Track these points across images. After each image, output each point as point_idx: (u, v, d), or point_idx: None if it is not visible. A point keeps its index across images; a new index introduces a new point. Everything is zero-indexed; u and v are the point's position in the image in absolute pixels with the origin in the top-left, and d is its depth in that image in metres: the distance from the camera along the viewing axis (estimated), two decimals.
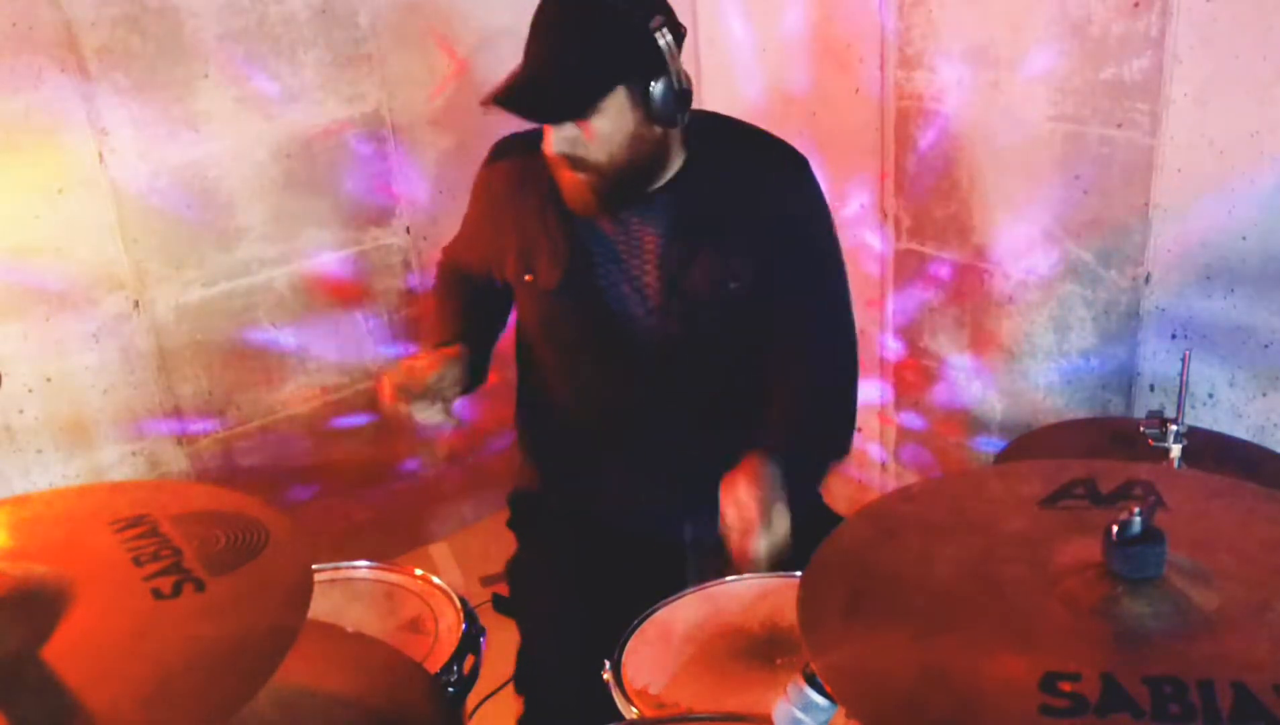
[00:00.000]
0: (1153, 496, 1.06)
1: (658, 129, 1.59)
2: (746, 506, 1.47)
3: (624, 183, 1.60)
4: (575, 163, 1.57)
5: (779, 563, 1.48)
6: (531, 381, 1.87)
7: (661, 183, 1.65)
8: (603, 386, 1.74)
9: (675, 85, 1.56)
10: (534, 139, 1.69)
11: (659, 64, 1.54)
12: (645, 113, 1.56)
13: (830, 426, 1.73)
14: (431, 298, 1.99)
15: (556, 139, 1.56)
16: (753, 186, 1.67)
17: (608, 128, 1.54)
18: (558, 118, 1.55)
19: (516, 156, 1.76)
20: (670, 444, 1.73)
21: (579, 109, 1.53)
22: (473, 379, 1.76)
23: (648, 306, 1.69)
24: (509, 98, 1.54)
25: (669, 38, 1.55)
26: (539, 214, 1.70)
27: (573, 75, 1.53)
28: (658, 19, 1.55)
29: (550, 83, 1.54)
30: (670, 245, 1.66)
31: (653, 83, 1.54)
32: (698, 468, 1.70)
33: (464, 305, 1.87)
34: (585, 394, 1.77)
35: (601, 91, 1.52)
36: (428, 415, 1.65)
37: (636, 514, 1.75)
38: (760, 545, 1.45)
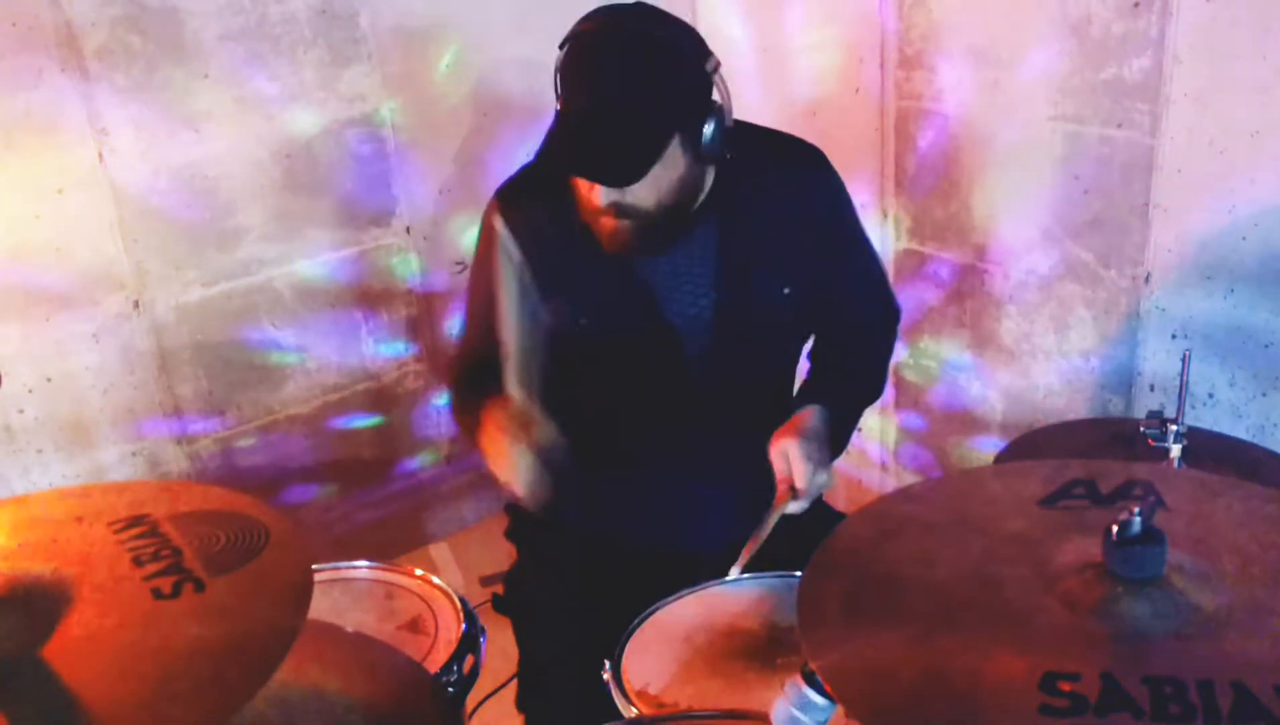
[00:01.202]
0: (1153, 496, 1.06)
1: (702, 166, 1.56)
2: (795, 462, 1.52)
3: (667, 224, 1.54)
4: (621, 211, 1.50)
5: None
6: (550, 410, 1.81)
7: (698, 205, 1.61)
8: (624, 411, 1.72)
9: (723, 123, 1.51)
10: (543, 179, 1.61)
11: (711, 104, 1.50)
12: (695, 154, 1.51)
13: (872, 381, 1.79)
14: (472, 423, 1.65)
15: (604, 191, 1.49)
16: (783, 187, 1.65)
17: (659, 174, 1.47)
18: (626, 181, 1.46)
19: (531, 200, 1.64)
20: (680, 457, 1.71)
21: (645, 170, 1.45)
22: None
23: (702, 329, 1.65)
24: (580, 161, 1.46)
25: (723, 80, 1.51)
26: (578, 256, 1.60)
27: (642, 132, 1.44)
28: (713, 60, 1.50)
29: (619, 143, 1.44)
30: (724, 262, 1.63)
31: (705, 124, 1.49)
32: (706, 478, 1.70)
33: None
34: (603, 417, 1.73)
35: (664, 146, 1.46)
36: (528, 471, 1.50)
37: (641, 524, 1.74)
38: (802, 501, 1.52)
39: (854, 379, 1.75)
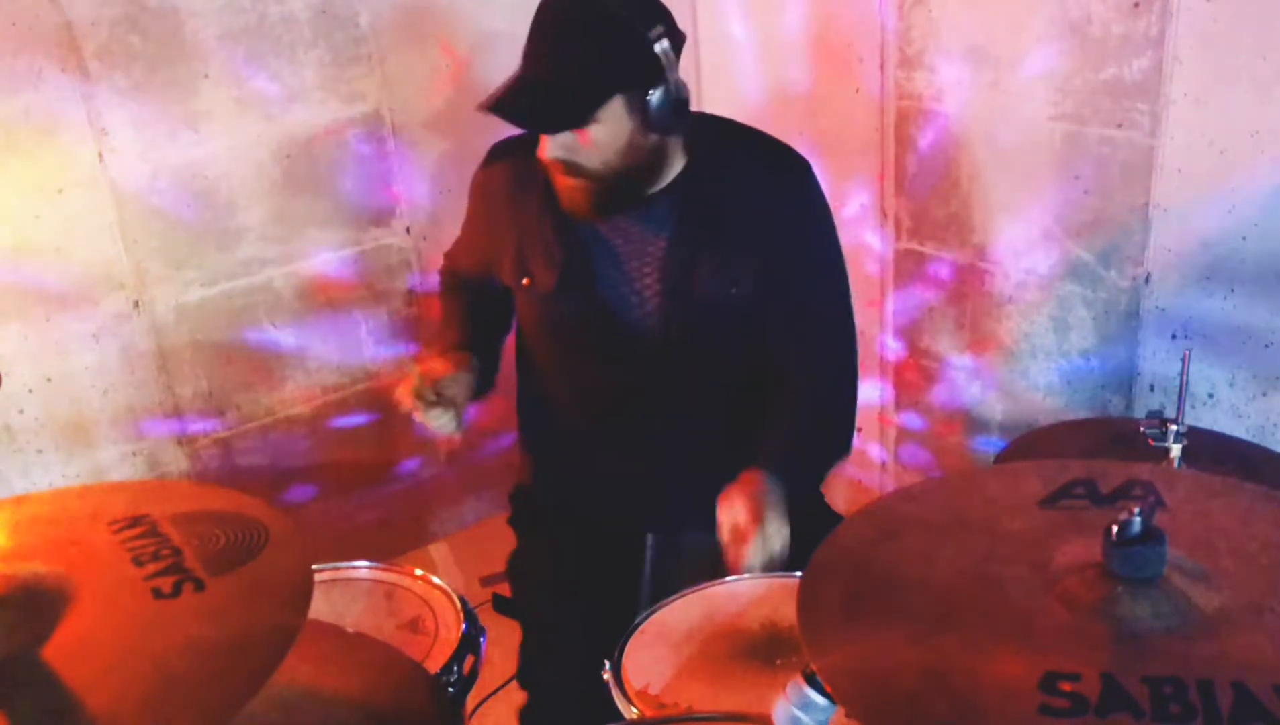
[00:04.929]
0: (1153, 496, 1.06)
1: (654, 136, 1.59)
2: (741, 519, 1.48)
3: (619, 189, 1.60)
4: (571, 168, 1.57)
5: (776, 568, 1.49)
6: (530, 381, 1.87)
7: (662, 186, 1.65)
8: (600, 387, 1.74)
9: (673, 94, 1.55)
10: (531, 141, 1.68)
11: (657, 73, 1.54)
12: (642, 121, 1.55)
13: (831, 431, 1.74)
14: (437, 304, 1.98)
15: (552, 145, 1.56)
16: (754, 188, 1.66)
17: (604, 136, 1.54)
18: (554, 127, 1.54)
19: (513, 159, 1.75)
20: (667, 445, 1.73)
21: (575, 119, 1.52)
22: (481, 386, 1.76)
23: (647, 309, 1.68)
24: (506, 105, 1.53)
25: (667, 46, 1.54)
26: (536, 217, 1.70)
27: (571, 84, 1.52)
28: (658, 28, 1.55)
29: (548, 91, 1.53)
30: (673, 248, 1.65)
31: (651, 91, 1.53)
32: (695, 468, 1.70)
33: (469, 311, 1.87)
34: (583, 394, 1.77)
35: (599, 101, 1.52)
36: (440, 423, 1.66)
37: (635, 513, 1.75)
38: (754, 558, 1.47)
39: (807, 435, 1.68)
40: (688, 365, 1.69)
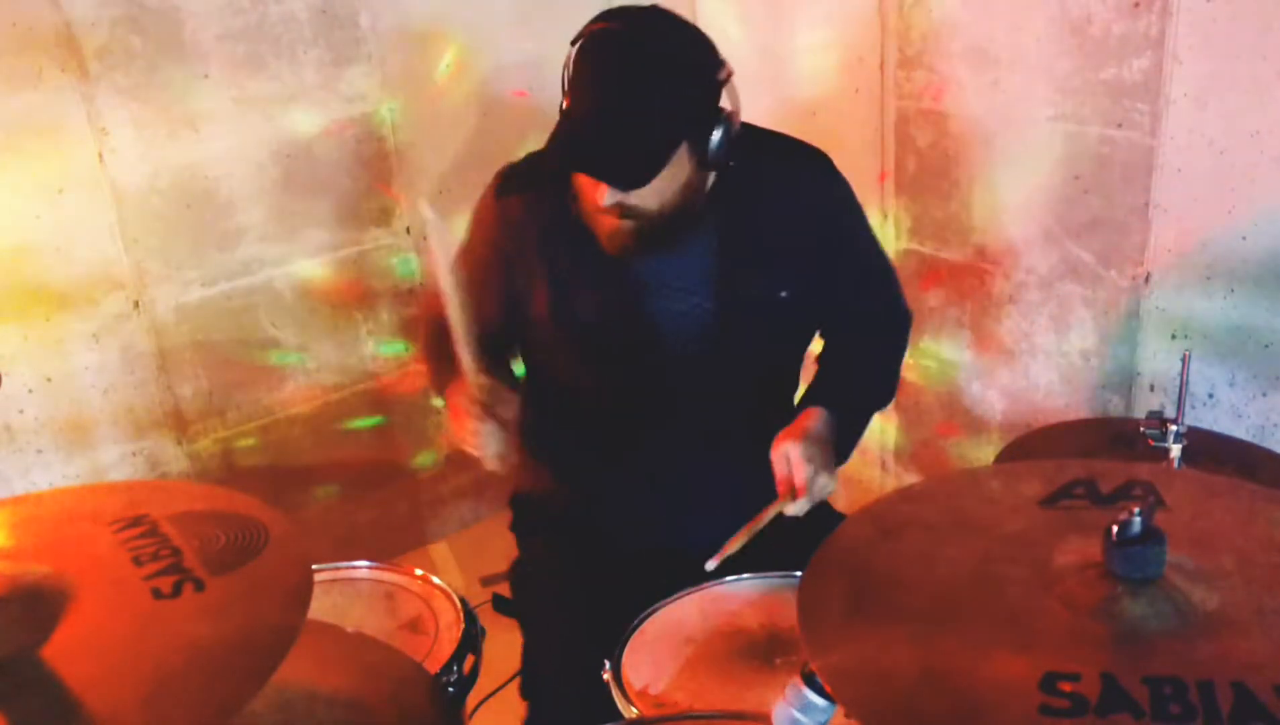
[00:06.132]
0: (1153, 496, 1.06)
1: (708, 173, 1.57)
2: (795, 464, 1.51)
3: (668, 226, 1.55)
4: (625, 212, 1.51)
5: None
6: (542, 394, 1.84)
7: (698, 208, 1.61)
8: (625, 403, 1.72)
9: (731, 133, 1.52)
10: (544, 169, 1.62)
11: (719, 113, 1.51)
12: (700, 161, 1.52)
13: (880, 385, 1.79)
14: (425, 349, 1.79)
15: (609, 192, 1.49)
16: (788, 191, 1.65)
17: (665, 179, 1.48)
18: (635, 185, 1.47)
19: (531, 188, 1.67)
20: (681, 455, 1.72)
21: (654, 174, 1.46)
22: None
23: (695, 325, 1.65)
24: (584, 162, 1.48)
25: (734, 88, 1.52)
26: (572, 247, 1.62)
27: (652, 141, 1.46)
28: (725, 70, 1.51)
29: (628, 147, 1.45)
30: (722, 262, 1.63)
31: (712, 133, 1.50)
32: (706, 476, 1.70)
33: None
34: (605, 410, 1.73)
35: (673, 152, 1.47)
36: (493, 451, 1.52)
37: (642, 521, 1.74)
38: (801, 509, 1.51)
39: (860, 382, 1.74)
40: (719, 379, 1.68)
